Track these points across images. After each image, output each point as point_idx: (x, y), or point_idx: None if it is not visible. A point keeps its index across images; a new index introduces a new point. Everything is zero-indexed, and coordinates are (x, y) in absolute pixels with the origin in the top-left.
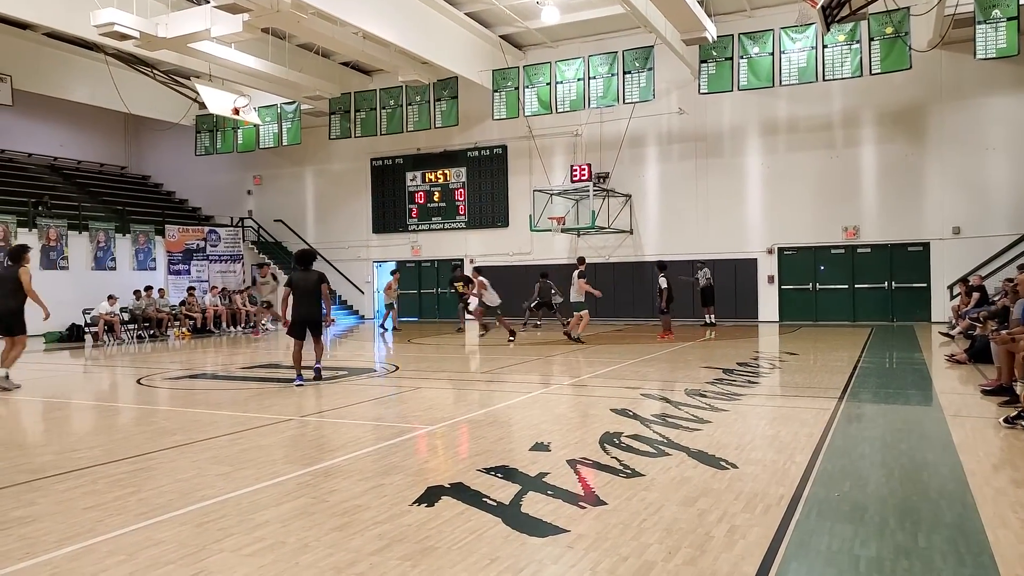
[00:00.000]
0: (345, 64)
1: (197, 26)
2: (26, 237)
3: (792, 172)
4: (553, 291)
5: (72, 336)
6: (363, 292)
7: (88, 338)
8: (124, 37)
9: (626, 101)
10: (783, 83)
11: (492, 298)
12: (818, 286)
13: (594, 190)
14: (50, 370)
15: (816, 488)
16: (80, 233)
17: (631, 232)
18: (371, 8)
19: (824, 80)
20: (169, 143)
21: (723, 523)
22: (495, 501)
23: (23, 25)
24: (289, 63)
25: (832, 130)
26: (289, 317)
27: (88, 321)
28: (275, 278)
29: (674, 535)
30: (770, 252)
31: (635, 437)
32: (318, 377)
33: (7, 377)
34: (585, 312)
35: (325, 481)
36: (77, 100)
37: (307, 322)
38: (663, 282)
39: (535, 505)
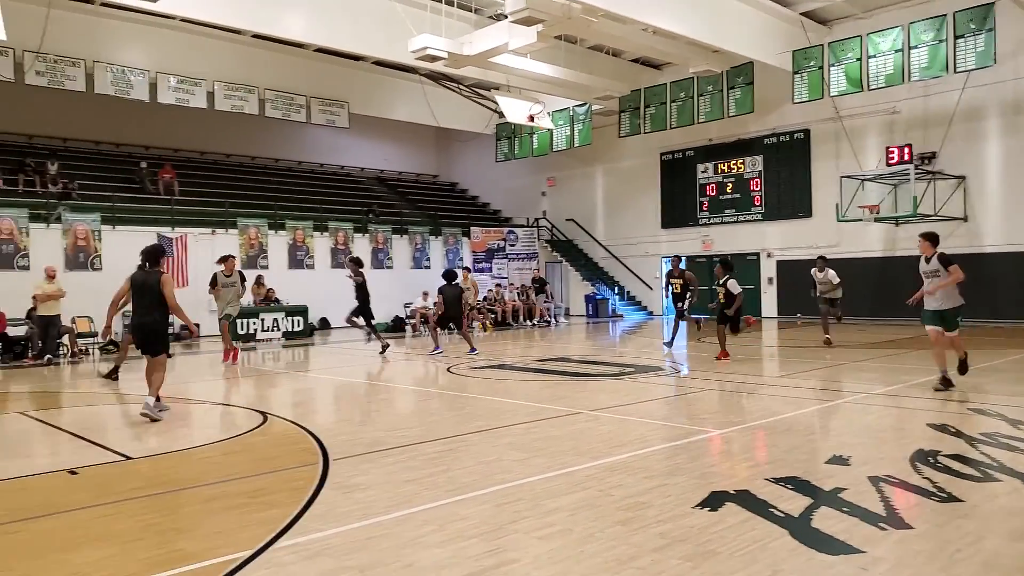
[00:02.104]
0: (635, 61)
1: (496, 41)
2: (360, 242)
3: None
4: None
5: (395, 327)
6: (651, 288)
7: (408, 328)
8: (435, 59)
9: (958, 70)
10: None
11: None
12: None
13: (916, 173)
14: (378, 356)
15: None
16: (401, 236)
17: (965, 219)
18: (659, 3)
19: None
20: (472, 151)
21: None
22: (783, 512)
23: (356, 57)
24: (580, 66)
25: None
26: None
27: (408, 314)
28: (243, 278)
29: (995, 572)
30: None
31: (956, 457)
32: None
33: (156, 402)
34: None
35: (611, 476)
36: (398, 118)
37: (451, 318)
38: (734, 286)
39: (827, 521)
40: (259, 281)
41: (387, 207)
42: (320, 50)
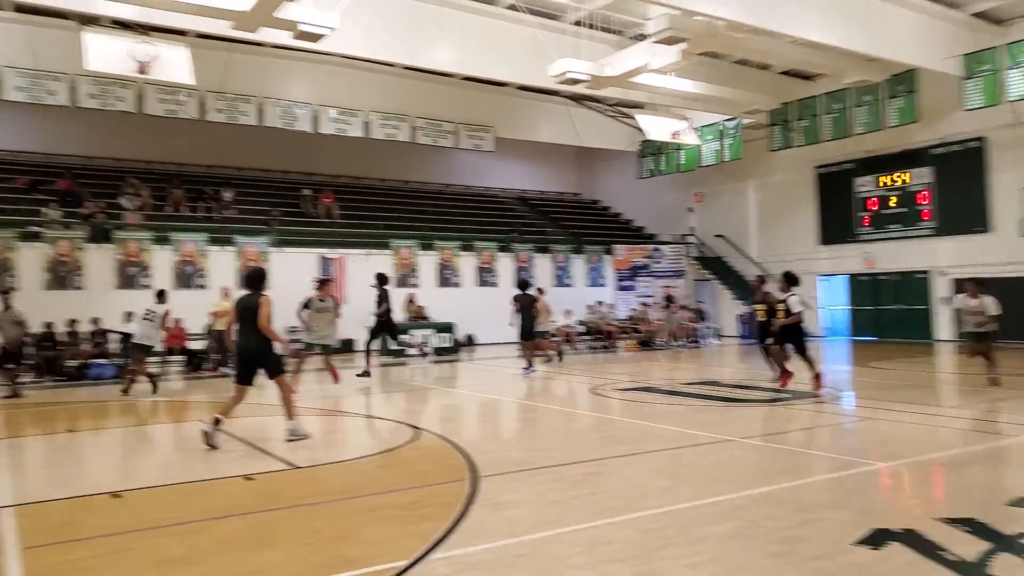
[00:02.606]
0: (784, 73)
1: (638, 62)
2: (503, 261)
3: None
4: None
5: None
6: (809, 308)
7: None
8: (576, 82)
9: None
10: None
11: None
12: None
13: None
14: (523, 374)
15: None
16: (544, 255)
17: None
18: (809, 15)
19: None
20: (616, 169)
21: None
22: (956, 556)
23: (501, 83)
24: (726, 81)
25: None
26: None
27: (552, 332)
28: (336, 303)
29: None
30: None
31: None
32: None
33: (294, 430)
34: None
35: (763, 507)
36: (541, 140)
37: (524, 328)
38: (795, 303)
39: (1009, 569)
40: (411, 299)
41: (530, 226)
42: (467, 78)
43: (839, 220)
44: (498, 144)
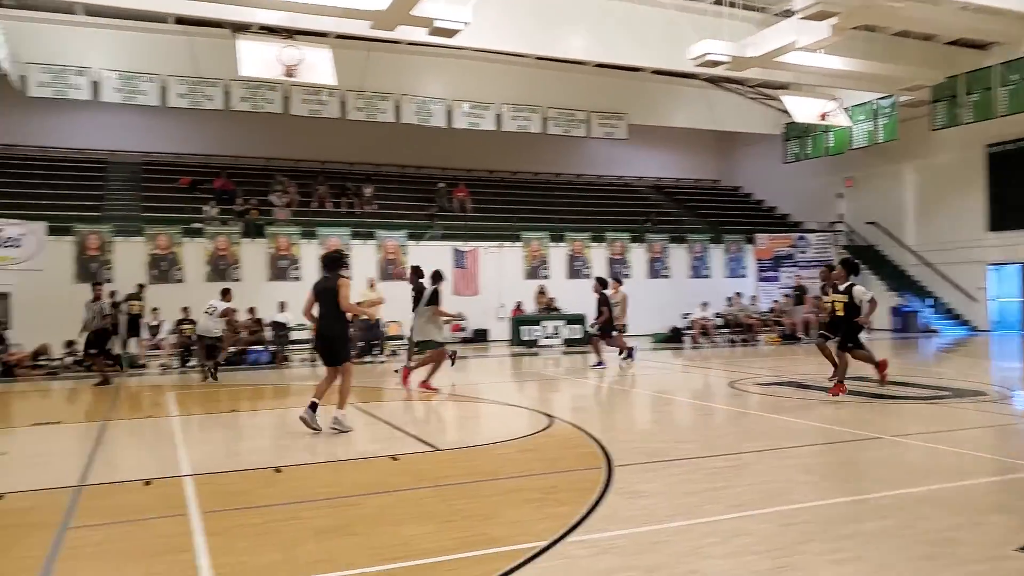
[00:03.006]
0: (951, 43)
1: (784, 40)
2: (637, 251)
3: None
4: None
5: (673, 337)
6: (975, 299)
7: (686, 340)
8: (716, 64)
9: None
10: None
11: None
12: None
13: None
14: (656, 367)
15: None
16: (679, 245)
17: None
18: None
19: None
20: (757, 153)
21: None
22: None
23: (635, 68)
24: (882, 56)
25: None
26: None
27: (688, 324)
28: (434, 301)
29: None
30: None
31: None
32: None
33: (340, 419)
34: None
35: (914, 506)
36: (677, 125)
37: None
38: (863, 292)
39: None
40: (541, 290)
41: (664, 215)
42: (600, 65)
43: (1014, 204)
44: (632, 131)
